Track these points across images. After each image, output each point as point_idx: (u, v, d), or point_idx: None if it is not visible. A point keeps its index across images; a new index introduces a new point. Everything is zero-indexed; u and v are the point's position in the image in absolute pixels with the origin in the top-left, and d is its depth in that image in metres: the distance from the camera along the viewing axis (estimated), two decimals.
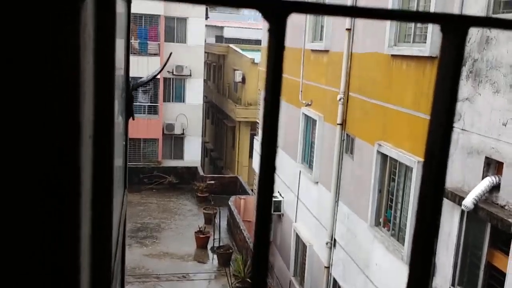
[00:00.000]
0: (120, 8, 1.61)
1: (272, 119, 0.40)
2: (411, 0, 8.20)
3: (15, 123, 0.57)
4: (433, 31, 7.21)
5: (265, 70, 0.40)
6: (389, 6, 8.44)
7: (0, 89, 0.55)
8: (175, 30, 25.60)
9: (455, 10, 6.73)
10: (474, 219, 6.39)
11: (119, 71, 1.68)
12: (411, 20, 0.46)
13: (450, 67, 0.43)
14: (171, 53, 3.41)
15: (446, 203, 6.84)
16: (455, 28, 0.43)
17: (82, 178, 0.65)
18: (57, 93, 0.56)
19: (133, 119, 2.22)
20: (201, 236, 17.29)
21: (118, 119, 1.67)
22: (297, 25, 13.17)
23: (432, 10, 7.25)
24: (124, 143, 2.13)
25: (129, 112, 2.16)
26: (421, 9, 7.91)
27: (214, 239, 17.18)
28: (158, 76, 24.24)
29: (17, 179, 0.60)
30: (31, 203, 0.60)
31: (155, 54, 24.44)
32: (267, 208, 0.44)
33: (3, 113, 0.56)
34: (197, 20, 25.63)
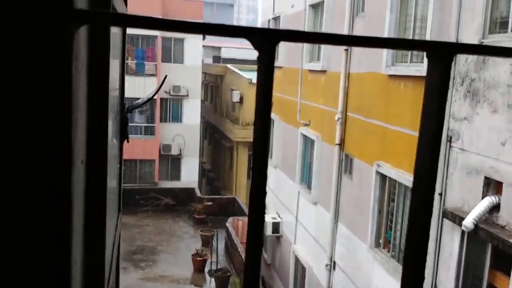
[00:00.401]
0: (114, 28, 1.59)
1: (262, 141, 0.40)
2: (408, 21, 8.27)
3: (4, 151, 0.58)
4: None
5: (255, 95, 0.39)
6: (386, 27, 8.50)
7: None
8: (172, 50, 25.79)
9: (451, 31, 6.78)
10: (474, 239, 6.32)
11: (114, 92, 1.65)
12: (398, 47, 0.47)
13: (435, 93, 0.45)
14: (166, 76, 3.40)
15: (446, 224, 6.77)
16: (440, 55, 0.44)
17: (73, 203, 0.66)
18: (48, 119, 0.57)
19: (128, 142, 2.18)
20: (198, 259, 17.08)
21: (113, 142, 1.65)
22: (295, 45, 13.27)
23: (428, 30, 7.30)
24: (118, 166, 2.09)
25: (123, 135, 2.13)
26: (417, 29, 7.97)
27: (211, 262, 16.97)
28: (155, 97, 24.31)
29: (5, 201, 0.60)
30: (18, 228, 0.60)
31: (152, 75, 24.54)
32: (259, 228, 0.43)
33: None
34: (194, 41, 25.84)
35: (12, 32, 0.52)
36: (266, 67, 0.37)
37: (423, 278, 0.46)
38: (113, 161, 1.76)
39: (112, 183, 1.68)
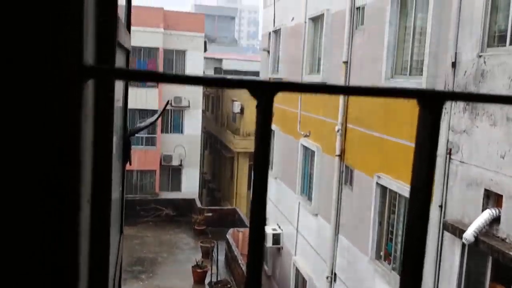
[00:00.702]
0: (119, 59, 1.64)
1: (261, 176, 0.41)
2: (407, 34, 8.33)
3: (14, 191, 0.60)
4: (429, 64, 7.30)
5: (254, 138, 0.41)
6: (385, 40, 8.57)
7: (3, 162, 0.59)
8: (173, 62, 25.92)
9: (450, 44, 6.84)
10: (475, 252, 6.31)
11: (117, 115, 1.69)
12: (391, 96, 0.49)
13: (427, 138, 0.47)
14: (168, 101, 3.45)
15: (447, 236, 6.76)
16: (431, 102, 0.46)
17: (80, 243, 0.68)
18: (58, 163, 0.60)
19: (130, 164, 2.21)
20: (199, 270, 17.01)
21: (115, 165, 1.68)
22: (295, 57, 13.35)
23: (427, 43, 7.36)
24: (120, 189, 2.12)
25: (126, 157, 2.16)
26: (416, 42, 8.03)
27: (211, 273, 16.88)
28: (157, 108, 24.39)
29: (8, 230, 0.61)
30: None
31: (153, 86, 24.64)
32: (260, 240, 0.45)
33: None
34: (195, 53, 25.99)
35: (25, 86, 0.56)
36: (264, 115, 0.39)
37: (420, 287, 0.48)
38: (116, 185, 1.79)
39: (114, 207, 1.71)
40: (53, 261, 0.62)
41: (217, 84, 0.40)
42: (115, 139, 1.57)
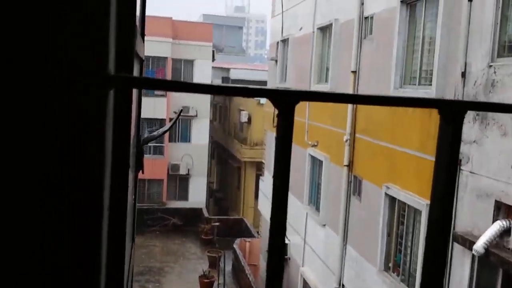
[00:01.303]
0: (135, 68, 1.66)
1: (282, 194, 0.39)
2: (416, 44, 8.31)
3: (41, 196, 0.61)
4: (438, 73, 7.26)
5: (274, 153, 0.40)
6: (394, 50, 8.55)
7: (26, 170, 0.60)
8: (182, 71, 26.05)
9: (460, 54, 6.80)
10: (485, 264, 6.22)
11: (131, 124, 1.71)
12: (411, 105, 0.50)
13: (447, 149, 0.46)
14: (181, 109, 3.45)
15: (457, 248, 6.68)
16: (452, 112, 0.45)
17: (102, 252, 0.70)
18: (82, 172, 0.61)
19: (143, 173, 2.21)
20: (205, 280, 16.93)
21: (129, 174, 1.69)
22: (303, 67, 13.36)
23: (436, 53, 7.33)
24: (133, 197, 2.12)
25: (139, 166, 2.17)
26: (425, 51, 8.00)
27: (218, 283, 16.80)
28: (164, 117, 24.50)
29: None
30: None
31: (161, 95, 24.77)
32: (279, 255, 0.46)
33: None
34: (204, 62, 26.11)
35: (53, 96, 0.57)
36: (285, 123, 0.38)
37: None
38: (129, 195, 1.79)
39: (128, 216, 1.71)
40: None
41: (239, 93, 0.40)
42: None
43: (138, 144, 2.15)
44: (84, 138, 0.59)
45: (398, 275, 8.45)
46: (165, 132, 2.83)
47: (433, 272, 0.47)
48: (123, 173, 1.12)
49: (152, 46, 23.96)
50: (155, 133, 2.63)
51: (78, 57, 0.56)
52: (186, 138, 26.37)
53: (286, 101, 0.38)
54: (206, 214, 24.61)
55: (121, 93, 0.99)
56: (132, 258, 2.19)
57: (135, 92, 1.87)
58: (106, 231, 0.88)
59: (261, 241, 17.29)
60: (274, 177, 0.40)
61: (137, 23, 2.06)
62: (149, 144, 25.16)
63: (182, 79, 26.00)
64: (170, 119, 25.27)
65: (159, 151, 25.55)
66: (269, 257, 0.41)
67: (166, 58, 25.13)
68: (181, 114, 25.47)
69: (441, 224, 0.47)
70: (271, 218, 0.42)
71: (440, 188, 0.46)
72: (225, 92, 0.39)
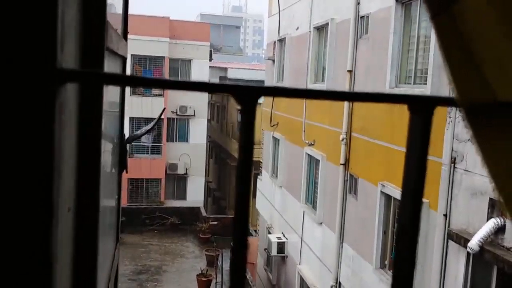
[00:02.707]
0: (114, 66, 1.65)
1: (244, 185, 0.41)
2: (411, 43, 8.36)
3: None
4: (433, 73, 7.31)
5: (237, 146, 0.43)
6: (389, 48, 8.60)
7: None
8: (179, 71, 26.04)
9: None
10: (480, 262, 6.27)
11: (113, 122, 1.69)
12: (382, 101, 0.49)
13: (417, 144, 0.46)
14: (164, 108, 3.48)
15: (452, 245, 6.73)
16: (421, 108, 0.46)
17: (53, 251, 0.63)
18: (28, 168, 0.57)
19: (127, 172, 2.21)
20: (203, 279, 16.97)
21: (110, 174, 1.67)
22: (300, 66, 13.41)
23: (431, 52, 7.38)
24: (116, 197, 2.11)
25: (122, 165, 2.15)
26: (421, 51, 8.05)
27: (216, 282, 16.84)
28: (162, 116, 24.48)
29: None
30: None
31: (159, 95, 24.77)
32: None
33: None
34: (201, 62, 26.11)
35: None
36: (247, 118, 0.41)
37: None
38: (112, 193, 1.78)
39: (108, 216, 1.69)
40: (26, 270, 0.59)
41: (201, 88, 0.41)
42: (110, 146, 1.56)
43: (121, 143, 2.14)
44: (30, 134, 0.56)
45: None
46: (148, 131, 2.85)
47: (404, 268, 0.48)
48: (93, 171, 1.07)
49: (149, 45, 23.96)
50: (138, 132, 2.64)
51: (23, 51, 0.53)
52: (184, 137, 26.38)
53: (247, 97, 0.40)
54: (204, 213, 24.63)
55: (86, 89, 0.97)
56: (116, 258, 2.18)
57: (116, 90, 1.86)
58: (69, 232, 0.86)
59: (259, 240, 17.33)
60: (236, 178, 0.43)
61: (119, 21, 2.05)
62: (147, 144, 25.17)
63: (179, 79, 26.02)
64: (168, 119, 25.29)
65: (156, 150, 25.55)
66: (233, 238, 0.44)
67: (163, 57, 25.12)
68: (179, 113, 25.47)
69: (412, 217, 0.48)
70: (234, 212, 0.44)
71: (410, 184, 0.49)
72: (182, 87, 0.41)
